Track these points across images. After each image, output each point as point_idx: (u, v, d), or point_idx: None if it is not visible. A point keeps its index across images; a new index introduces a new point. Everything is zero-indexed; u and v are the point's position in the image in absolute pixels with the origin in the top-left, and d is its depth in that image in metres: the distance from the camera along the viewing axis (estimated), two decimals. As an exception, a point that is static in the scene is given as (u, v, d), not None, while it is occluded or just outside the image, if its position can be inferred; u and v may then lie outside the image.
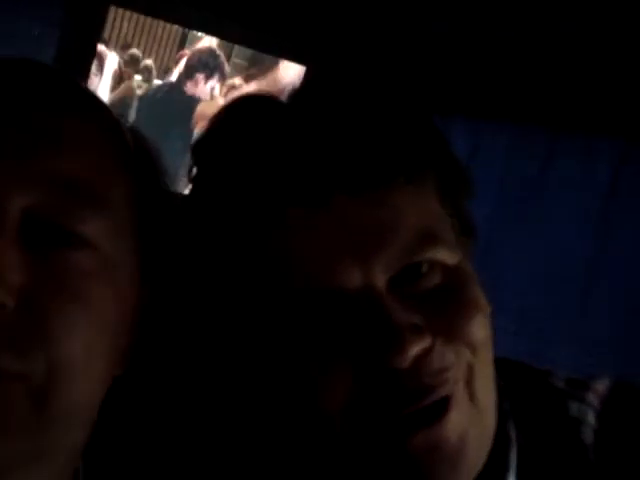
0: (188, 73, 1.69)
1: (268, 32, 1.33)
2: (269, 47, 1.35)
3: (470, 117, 1.52)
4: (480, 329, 0.56)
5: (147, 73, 1.57)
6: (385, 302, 0.52)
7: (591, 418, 0.63)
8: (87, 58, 1.90)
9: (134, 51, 1.68)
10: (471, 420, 0.54)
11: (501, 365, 0.61)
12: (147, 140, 0.60)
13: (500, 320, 0.62)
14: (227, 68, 2.10)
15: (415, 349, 0.51)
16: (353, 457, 0.54)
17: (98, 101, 0.57)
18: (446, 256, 0.56)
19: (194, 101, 1.73)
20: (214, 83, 1.84)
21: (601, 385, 0.65)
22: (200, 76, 1.72)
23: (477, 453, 0.55)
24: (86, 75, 1.43)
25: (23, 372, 0.45)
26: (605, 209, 1.57)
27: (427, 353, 0.52)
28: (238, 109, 0.61)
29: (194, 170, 0.60)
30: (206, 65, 1.76)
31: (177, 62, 1.54)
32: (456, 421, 0.52)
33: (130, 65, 1.89)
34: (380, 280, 0.53)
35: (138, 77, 1.60)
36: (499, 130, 1.61)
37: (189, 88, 1.71)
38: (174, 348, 0.59)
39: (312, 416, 0.53)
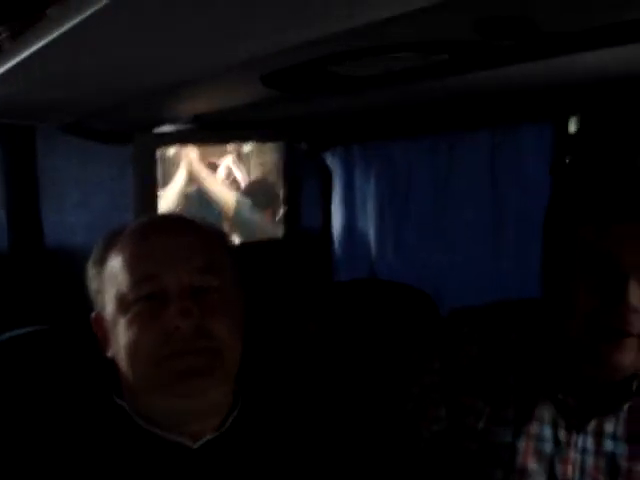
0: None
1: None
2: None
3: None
4: None
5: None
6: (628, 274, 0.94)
7: None
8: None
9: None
10: (630, 347, 0.97)
11: None
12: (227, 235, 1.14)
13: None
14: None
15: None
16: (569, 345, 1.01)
17: (201, 223, 1.08)
18: None
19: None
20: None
21: None
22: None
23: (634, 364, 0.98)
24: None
25: (210, 347, 0.96)
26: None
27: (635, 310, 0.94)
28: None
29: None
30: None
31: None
32: (627, 344, 0.96)
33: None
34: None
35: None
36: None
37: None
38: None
39: (569, 315, 0.98)
